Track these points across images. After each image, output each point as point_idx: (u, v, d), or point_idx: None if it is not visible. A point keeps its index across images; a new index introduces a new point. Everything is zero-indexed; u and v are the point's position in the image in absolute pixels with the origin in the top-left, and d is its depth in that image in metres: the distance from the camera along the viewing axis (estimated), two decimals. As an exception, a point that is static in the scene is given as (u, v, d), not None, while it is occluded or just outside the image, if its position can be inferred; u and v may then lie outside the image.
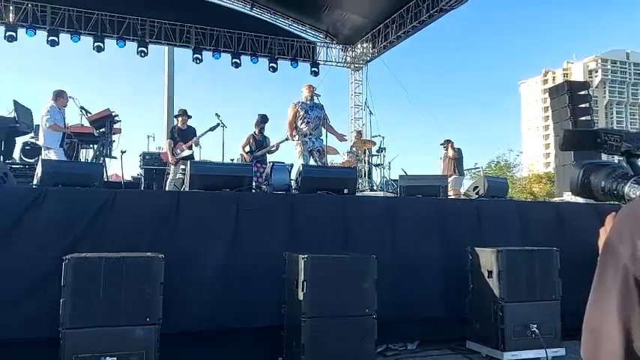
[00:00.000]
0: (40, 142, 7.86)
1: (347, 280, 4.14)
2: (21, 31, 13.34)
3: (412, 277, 5.22)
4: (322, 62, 16.63)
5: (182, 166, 8.49)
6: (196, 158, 9.12)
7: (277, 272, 4.46)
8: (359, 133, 13.19)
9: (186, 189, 5.36)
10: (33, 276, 4.13)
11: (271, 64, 15.69)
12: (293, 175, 6.75)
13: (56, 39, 13.49)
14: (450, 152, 11.45)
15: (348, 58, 17.18)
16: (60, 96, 7.98)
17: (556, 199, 9.64)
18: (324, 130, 7.87)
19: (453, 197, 9.16)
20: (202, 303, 4.52)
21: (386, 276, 4.54)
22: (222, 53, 15.08)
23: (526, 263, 4.84)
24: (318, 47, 16.68)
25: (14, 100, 8.40)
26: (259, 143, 8.98)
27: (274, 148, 8.92)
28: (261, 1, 15.65)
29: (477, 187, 6.79)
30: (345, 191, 5.61)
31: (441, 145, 11.68)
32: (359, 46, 16.79)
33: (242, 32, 15.20)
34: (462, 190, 10.48)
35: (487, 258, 4.89)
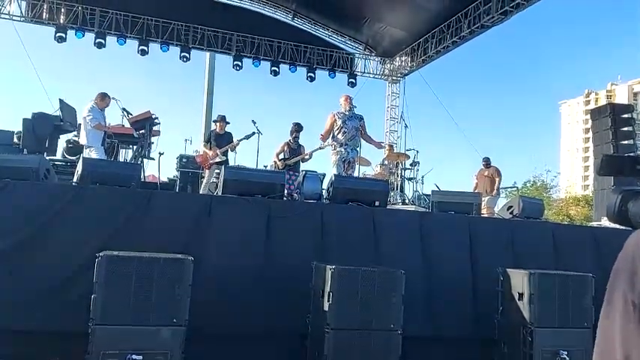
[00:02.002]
0: (82, 140, 8.08)
1: (374, 293, 4.11)
2: (70, 33, 13.81)
3: (440, 295, 5.14)
4: (360, 73, 16.66)
5: (216, 171, 8.60)
6: (230, 163, 9.24)
7: (305, 281, 4.47)
8: (391, 146, 13.14)
9: (220, 193, 5.43)
10: (68, 271, 4.24)
11: (309, 74, 15.80)
12: (325, 185, 6.76)
13: (103, 41, 13.90)
14: (487, 171, 11.32)
15: (386, 71, 17.17)
16: (103, 98, 8.20)
17: (594, 224, 9.37)
18: (363, 142, 7.91)
19: (486, 216, 9.02)
20: (228, 307, 4.55)
21: (413, 292, 4.49)
22: (261, 61, 15.28)
23: (559, 288, 4.71)
24: (356, 58, 16.72)
25: (60, 99, 8.67)
26: (293, 151, 9.06)
27: (307, 156, 9.00)
28: (303, 12, 15.81)
29: (512, 206, 6.65)
30: (377, 203, 5.58)
31: (483, 162, 11.54)
32: (397, 59, 16.77)
33: (282, 41, 15.37)
34: (496, 210, 10.31)
35: (519, 280, 4.78)
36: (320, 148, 8.07)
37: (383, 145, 9.14)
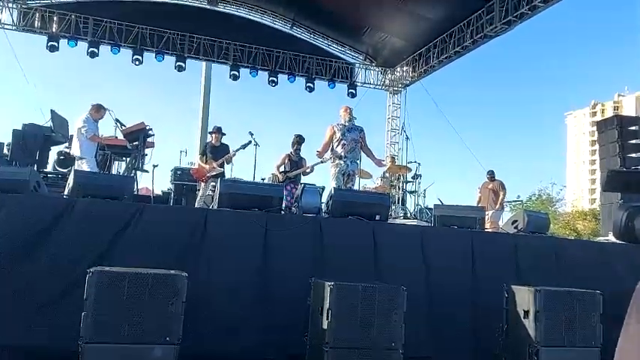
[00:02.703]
0: (75, 152, 8.08)
1: (374, 310, 4.09)
2: (62, 42, 13.90)
3: (442, 312, 5.12)
4: (360, 84, 16.79)
5: (212, 183, 8.60)
6: (227, 176, 9.24)
7: (302, 298, 4.45)
8: (392, 158, 13.17)
9: (215, 207, 5.42)
10: (57, 286, 4.22)
11: (308, 84, 15.92)
12: (324, 198, 6.76)
13: (96, 50, 14.00)
14: (491, 185, 11.35)
15: (387, 81, 17.28)
16: (98, 109, 8.23)
17: (601, 239, 9.36)
18: (363, 155, 7.91)
19: (490, 231, 9.01)
20: (224, 325, 4.53)
21: (414, 308, 4.47)
22: (259, 71, 15.38)
23: (565, 305, 4.69)
24: (356, 69, 16.84)
25: (51, 110, 8.71)
26: (294, 164, 9.07)
27: (309, 169, 9.01)
28: (302, 21, 15.94)
29: (517, 221, 6.64)
30: (377, 217, 5.57)
31: (487, 175, 11.55)
32: (398, 69, 16.89)
33: (280, 50, 15.49)
34: (501, 224, 10.31)
35: (524, 297, 4.77)
36: (322, 162, 8.08)
37: (383, 163, 9.13)
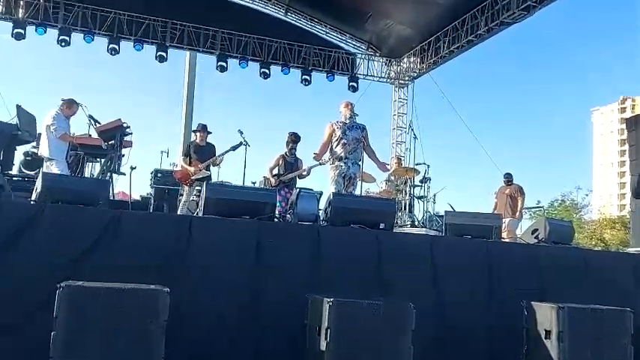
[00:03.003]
0: (44, 152, 8.06)
1: (378, 330, 4.09)
2: (30, 29, 13.88)
3: (455, 332, 5.13)
4: (362, 76, 16.81)
5: (197, 188, 8.59)
6: (214, 179, 9.23)
7: (299, 316, 4.45)
8: (399, 159, 13.18)
9: (200, 214, 5.42)
10: (24, 304, 4.20)
11: (304, 76, 15.92)
12: (322, 205, 6.76)
13: (67, 38, 13.98)
14: (509, 189, 11.35)
15: (392, 73, 17.31)
16: (70, 105, 8.21)
17: (631, 250, 9.38)
18: (366, 156, 7.88)
19: (507, 241, 9.03)
20: (210, 346, 4.52)
21: (423, 328, 4.47)
22: (249, 62, 15.38)
23: (592, 324, 4.70)
24: (358, 59, 16.86)
25: (17, 105, 8.67)
26: (290, 165, 8.99)
27: (305, 172, 8.90)
28: (297, 6, 15.97)
29: (537, 230, 6.67)
30: (382, 226, 5.58)
31: (504, 179, 11.56)
32: (405, 60, 16.93)
33: (273, 39, 15.49)
34: (519, 233, 10.33)
35: (546, 315, 4.77)
36: (320, 164, 8.03)
37: (388, 167, 9.10)
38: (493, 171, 13.06)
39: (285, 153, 9.10)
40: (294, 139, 9.18)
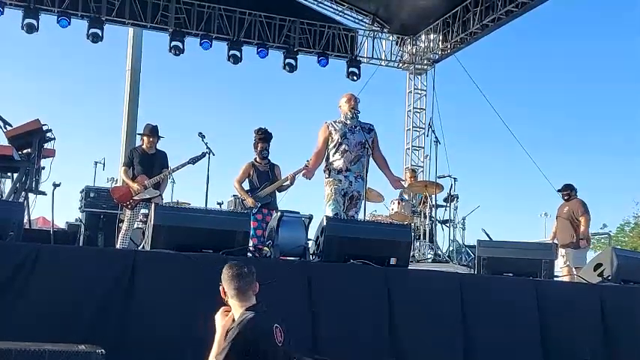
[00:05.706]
0: None
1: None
2: None
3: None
4: (366, 60, 16.84)
5: (143, 211, 8.56)
6: (165, 200, 9.20)
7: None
8: (413, 171, 13.22)
9: (147, 247, 5.41)
10: None
11: (288, 60, 15.93)
12: (312, 233, 6.75)
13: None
14: (567, 207, 10.72)
15: (406, 56, 17.38)
16: None
17: None
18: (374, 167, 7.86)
19: (564, 279, 9.03)
20: None
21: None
22: (214, 41, 15.38)
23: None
24: (360, 37, 16.90)
25: None
26: (264, 176, 8.84)
27: (287, 182, 8.76)
28: (279, -32, 16.01)
29: (601, 264, 6.67)
30: (393, 261, 5.59)
31: (559, 192, 11.09)
32: (423, 37, 17.00)
33: (246, 11, 15.49)
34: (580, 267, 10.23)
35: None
36: (306, 171, 7.97)
37: (402, 184, 9.00)
38: (544, 185, 12.95)
39: (255, 159, 8.92)
40: (263, 136, 8.91)
